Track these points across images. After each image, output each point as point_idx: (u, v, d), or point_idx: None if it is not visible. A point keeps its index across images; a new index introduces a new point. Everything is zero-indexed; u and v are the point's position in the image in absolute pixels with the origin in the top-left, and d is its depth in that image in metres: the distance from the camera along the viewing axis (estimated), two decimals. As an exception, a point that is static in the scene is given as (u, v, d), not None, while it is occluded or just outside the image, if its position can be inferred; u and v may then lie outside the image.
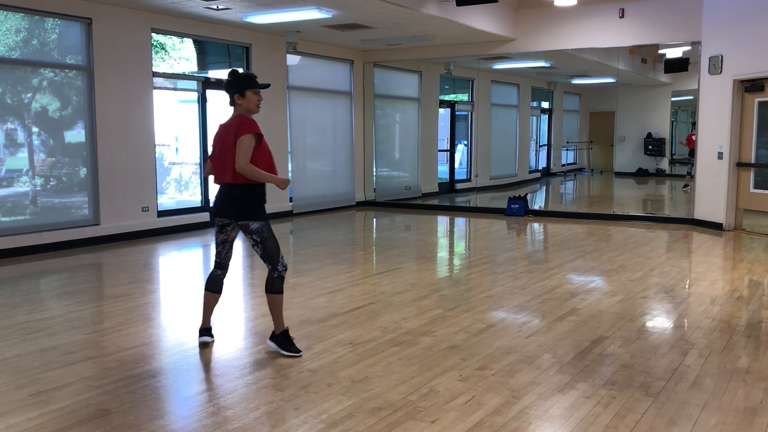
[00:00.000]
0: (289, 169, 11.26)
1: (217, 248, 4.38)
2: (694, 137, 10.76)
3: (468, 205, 13.39)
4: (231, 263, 4.47)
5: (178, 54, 12.77)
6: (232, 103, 4.20)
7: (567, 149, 17.12)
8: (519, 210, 11.37)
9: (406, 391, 3.63)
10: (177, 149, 11.86)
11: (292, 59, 11.37)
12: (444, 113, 14.59)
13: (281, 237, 9.56)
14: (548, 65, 13.54)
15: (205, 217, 9.88)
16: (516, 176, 15.59)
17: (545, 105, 16.97)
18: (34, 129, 8.01)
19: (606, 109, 14.78)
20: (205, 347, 4.35)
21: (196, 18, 9.36)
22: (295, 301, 5.59)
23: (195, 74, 10.88)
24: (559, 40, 11.07)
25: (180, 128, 11.44)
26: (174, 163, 11.79)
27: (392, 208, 12.79)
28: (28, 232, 7.77)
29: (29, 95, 7.93)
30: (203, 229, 9.70)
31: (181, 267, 7.57)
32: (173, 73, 10.30)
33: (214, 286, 4.36)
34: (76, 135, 8.38)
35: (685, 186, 13.44)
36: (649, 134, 14.68)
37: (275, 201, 11.06)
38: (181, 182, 11.76)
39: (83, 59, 8.30)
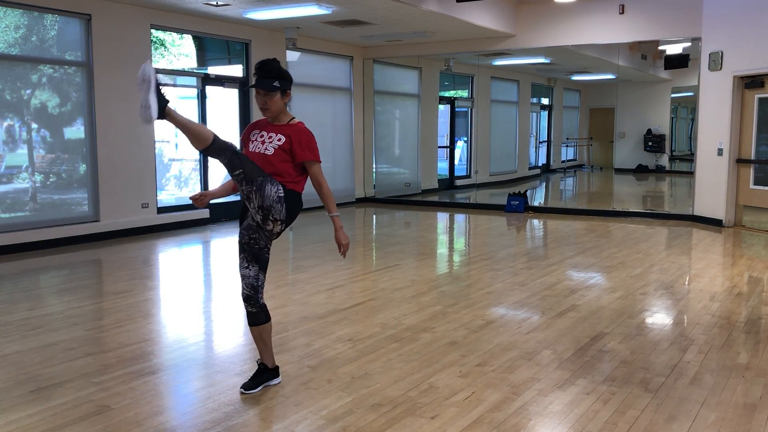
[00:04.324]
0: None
1: None
2: None
3: (468, 201, 13.38)
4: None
5: (178, 50, 12.76)
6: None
7: (567, 145, 17.11)
8: (519, 206, 11.37)
9: (406, 387, 3.63)
10: (177, 145, 11.85)
11: (292, 55, 11.35)
12: (444, 109, 14.58)
13: (282, 234, 9.57)
14: (548, 61, 13.53)
15: (204, 213, 9.87)
16: (516, 173, 15.58)
17: (545, 101, 16.95)
18: (34, 125, 8.00)
19: (606, 105, 14.75)
20: None
21: (195, 14, 9.34)
22: (295, 298, 5.59)
23: (194, 70, 10.87)
24: (559, 36, 11.06)
25: (180, 124, 11.41)
26: (174, 160, 11.78)
27: (392, 204, 12.79)
28: (28, 229, 7.77)
29: (29, 92, 7.92)
30: (203, 226, 9.70)
31: (180, 264, 7.57)
32: (173, 70, 10.29)
33: None
34: (76, 131, 8.38)
35: None
36: (649, 131, 14.67)
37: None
38: (181, 179, 11.75)
39: (83, 55, 8.29)
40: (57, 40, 8.12)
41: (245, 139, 3.65)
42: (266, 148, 3.47)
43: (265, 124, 3.60)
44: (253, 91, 3.71)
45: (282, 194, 3.42)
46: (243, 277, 3.51)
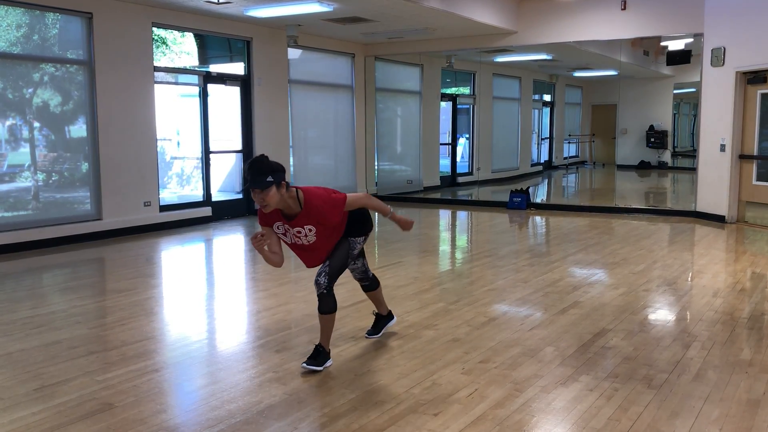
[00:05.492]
0: (291, 163, 11.26)
1: None
2: None
3: (470, 198, 13.37)
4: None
5: (179, 48, 12.76)
6: None
7: (569, 142, 17.07)
8: (521, 203, 11.36)
9: (409, 384, 3.63)
10: (179, 144, 11.86)
11: (293, 53, 11.35)
12: (446, 107, 14.56)
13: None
14: (550, 58, 13.49)
15: (206, 211, 9.88)
16: (518, 169, 15.56)
17: (547, 98, 16.92)
18: (36, 124, 8.01)
19: (608, 101, 14.72)
20: None
21: (196, 12, 9.34)
22: (298, 295, 5.59)
23: (196, 68, 10.87)
24: (561, 32, 11.04)
25: (181, 123, 11.44)
26: (176, 158, 11.79)
27: (394, 201, 12.78)
28: (31, 228, 7.78)
29: (30, 90, 7.93)
30: (205, 224, 9.71)
31: (183, 262, 7.58)
32: (174, 68, 10.29)
33: None
34: (78, 130, 8.38)
35: None
36: (652, 127, 14.63)
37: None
38: (183, 177, 11.76)
39: (84, 54, 8.29)
40: (58, 38, 8.12)
41: (268, 225, 3.80)
42: (309, 240, 3.79)
43: (281, 214, 3.72)
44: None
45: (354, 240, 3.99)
46: (352, 270, 4.25)
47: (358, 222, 3.96)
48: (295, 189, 3.66)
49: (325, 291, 3.78)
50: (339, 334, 4.50)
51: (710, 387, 3.58)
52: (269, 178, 3.49)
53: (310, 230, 3.72)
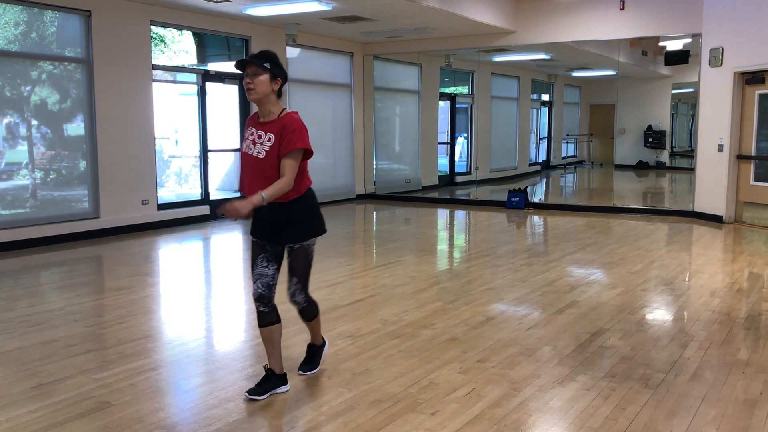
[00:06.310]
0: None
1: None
2: None
3: (468, 197, 13.38)
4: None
5: (178, 46, 12.75)
6: None
7: (567, 142, 17.10)
8: (519, 203, 11.37)
9: (407, 383, 3.63)
10: (177, 142, 11.86)
11: (292, 52, 11.34)
12: (444, 106, 14.57)
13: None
14: (548, 57, 13.51)
15: (204, 210, 9.87)
16: (516, 169, 15.58)
17: (545, 97, 16.94)
18: (34, 122, 8.00)
19: (606, 101, 14.74)
20: None
21: (195, 10, 9.33)
22: (295, 294, 5.59)
23: (194, 67, 10.86)
24: (559, 32, 11.04)
25: (180, 121, 11.43)
26: (174, 156, 11.78)
27: (392, 200, 12.79)
28: (29, 225, 7.77)
29: (29, 88, 7.91)
30: (203, 222, 9.70)
31: (181, 260, 7.57)
32: (173, 66, 10.27)
33: None
34: (76, 128, 8.37)
35: None
36: (650, 127, 14.66)
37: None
38: (181, 175, 11.76)
39: (82, 52, 8.28)
40: (57, 36, 8.11)
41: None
42: (258, 151, 3.34)
43: (257, 118, 3.46)
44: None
45: (304, 214, 3.49)
46: (260, 276, 3.46)
47: (318, 221, 3.58)
48: (284, 108, 3.44)
49: (305, 304, 3.63)
50: (337, 333, 4.51)
51: (707, 387, 3.59)
52: (267, 64, 3.33)
53: (269, 140, 3.33)
